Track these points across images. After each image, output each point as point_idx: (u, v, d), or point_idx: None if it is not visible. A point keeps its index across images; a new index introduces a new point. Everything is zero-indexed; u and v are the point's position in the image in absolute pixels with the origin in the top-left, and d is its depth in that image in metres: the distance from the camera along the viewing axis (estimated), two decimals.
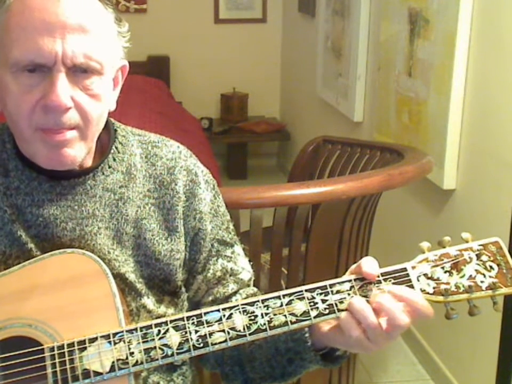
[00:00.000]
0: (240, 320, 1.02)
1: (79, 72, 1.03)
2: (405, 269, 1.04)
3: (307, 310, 1.02)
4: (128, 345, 1.00)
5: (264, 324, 1.02)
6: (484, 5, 2.24)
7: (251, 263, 1.30)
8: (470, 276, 1.03)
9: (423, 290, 1.03)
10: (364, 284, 1.03)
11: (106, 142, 1.17)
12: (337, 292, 1.03)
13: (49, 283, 1.05)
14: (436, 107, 2.49)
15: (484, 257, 1.04)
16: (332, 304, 1.03)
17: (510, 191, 2.12)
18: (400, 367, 2.77)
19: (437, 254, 1.05)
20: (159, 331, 1.01)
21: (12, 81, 1.03)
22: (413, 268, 1.04)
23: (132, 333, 1.01)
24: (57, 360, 1.00)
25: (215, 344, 1.01)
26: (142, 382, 1.14)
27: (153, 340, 1.01)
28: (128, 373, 1.00)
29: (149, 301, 1.16)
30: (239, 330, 1.02)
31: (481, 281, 1.03)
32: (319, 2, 4.02)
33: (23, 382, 1.00)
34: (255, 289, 1.27)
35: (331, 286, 1.04)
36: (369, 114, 3.34)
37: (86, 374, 0.99)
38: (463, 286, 1.03)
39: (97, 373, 0.99)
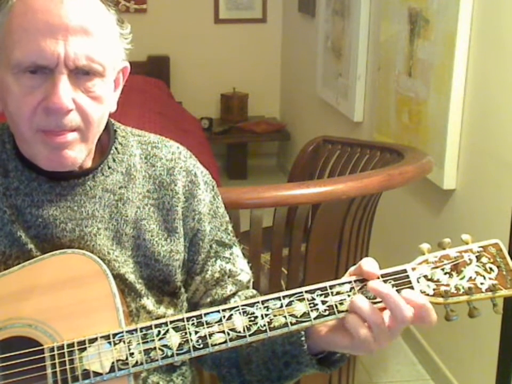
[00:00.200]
0: (240, 321, 1.02)
1: (81, 74, 1.03)
2: (405, 271, 1.04)
3: (307, 311, 1.02)
4: (128, 346, 1.00)
5: (264, 325, 1.02)
6: (484, 5, 2.24)
7: (250, 264, 1.29)
8: (470, 277, 1.03)
9: (423, 292, 1.03)
10: (364, 285, 1.03)
11: (106, 142, 1.17)
12: (337, 293, 1.03)
13: (49, 283, 1.05)
14: (436, 107, 2.49)
15: (484, 259, 1.04)
16: (332, 306, 1.02)
17: (510, 191, 2.12)
18: (400, 367, 2.77)
19: (437, 255, 1.05)
20: (159, 332, 1.01)
21: (13, 82, 1.03)
22: (413, 269, 1.04)
23: (132, 333, 1.01)
24: (57, 361, 1.00)
25: (215, 345, 1.01)
26: (141, 382, 1.14)
27: (153, 340, 1.01)
28: (128, 373, 1.00)
29: (148, 302, 1.16)
30: (239, 331, 1.02)
31: (481, 283, 1.03)
32: (319, 2, 4.02)
33: (23, 382, 1.00)
34: (254, 291, 1.26)
35: (331, 287, 1.04)
36: (369, 114, 3.34)
37: (86, 374, 0.99)
38: (463, 287, 1.03)
39: (97, 374, 0.99)
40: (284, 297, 1.03)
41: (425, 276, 1.04)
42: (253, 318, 1.02)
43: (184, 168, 1.22)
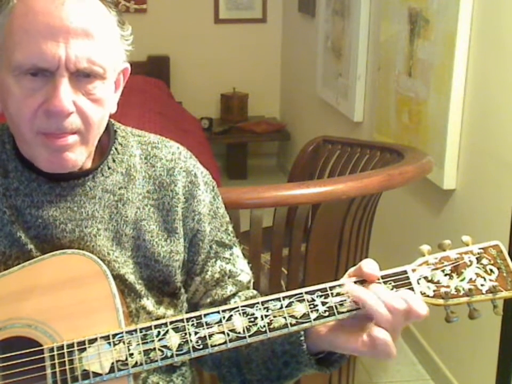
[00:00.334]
0: (240, 322, 1.02)
1: (81, 76, 1.03)
2: (405, 272, 1.04)
3: (307, 312, 1.02)
4: (128, 346, 1.00)
5: (264, 326, 1.02)
6: (484, 5, 2.24)
7: (250, 265, 1.29)
8: (470, 279, 1.03)
9: (423, 293, 1.03)
10: (364, 286, 1.03)
11: (106, 143, 1.17)
12: (338, 294, 1.03)
13: (49, 283, 1.05)
14: (436, 107, 2.49)
15: (484, 261, 1.04)
16: (332, 307, 1.02)
17: (510, 191, 2.12)
18: (400, 367, 2.77)
19: (437, 257, 1.05)
20: (159, 332, 1.01)
21: (14, 84, 1.02)
22: (413, 270, 1.04)
23: (132, 334, 1.01)
24: (56, 361, 1.00)
25: (215, 345, 1.01)
26: (141, 382, 1.14)
27: (153, 341, 1.01)
28: (127, 374, 1.00)
29: (148, 302, 1.16)
30: (239, 332, 1.01)
31: (482, 285, 1.03)
32: (319, 2, 4.02)
33: (22, 382, 1.00)
34: (255, 291, 1.26)
35: (331, 288, 1.03)
36: (369, 114, 3.34)
37: (86, 374, 0.99)
38: (463, 289, 1.03)
39: (96, 374, 0.99)
40: (283, 298, 1.03)
41: (425, 277, 1.04)
42: (252, 319, 1.02)
43: (184, 169, 1.21)
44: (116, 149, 1.17)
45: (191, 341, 1.01)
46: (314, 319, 1.02)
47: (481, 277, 1.03)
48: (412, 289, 1.03)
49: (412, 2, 2.68)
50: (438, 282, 1.03)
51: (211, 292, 1.22)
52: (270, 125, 4.97)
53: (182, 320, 1.02)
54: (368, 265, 1.03)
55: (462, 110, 2.38)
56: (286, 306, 1.02)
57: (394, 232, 3.05)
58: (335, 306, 1.02)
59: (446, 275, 1.04)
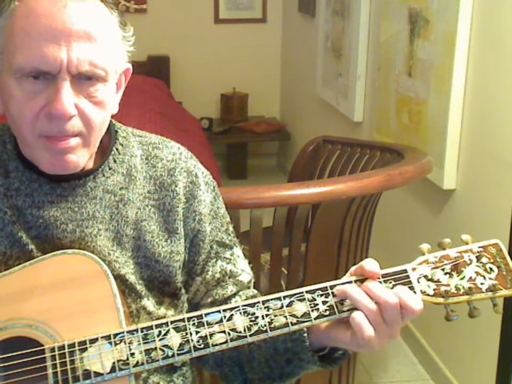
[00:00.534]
0: (240, 321, 1.02)
1: (83, 79, 1.03)
2: (405, 271, 1.05)
3: (308, 312, 1.02)
4: (129, 346, 1.00)
5: (265, 325, 1.02)
6: (484, 5, 2.24)
7: (251, 265, 1.29)
8: (470, 277, 1.04)
9: (423, 292, 1.03)
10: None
11: (107, 143, 1.17)
12: None
13: (50, 283, 1.05)
14: (436, 107, 2.49)
15: (484, 259, 1.05)
16: (333, 306, 1.03)
17: (510, 191, 2.12)
18: (400, 367, 2.77)
19: (437, 255, 1.05)
20: (160, 332, 1.01)
21: (15, 87, 1.02)
22: (413, 269, 1.04)
23: (133, 333, 1.01)
24: (58, 361, 1.00)
25: (216, 345, 1.01)
26: (142, 382, 1.14)
27: (154, 340, 1.01)
28: (128, 373, 1.00)
29: (149, 303, 1.16)
30: (240, 332, 1.02)
31: (481, 283, 1.03)
32: (319, 2, 4.02)
33: (24, 382, 1.00)
34: (255, 291, 1.26)
35: (332, 287, 1.04)
36: (369, 114, 3.34)
37: (87, 374, 0.99)
38: (463, 287, 1.03)
39: (97, 374, 0.99)
40: (284, 297, 1.03)
41: (425, 276, 1.04)
42: (253, 318, 1.02)
43: (185, 169, 1.21)
44: (116, 149, 1.17)
45: (192, 340, 1.01)
46: (314, 318, 1.02)
47: (481, 276, 1.04)
48: (412, 288, 1.03)
49: (412, 2, 2.68)
50: (438, 281, 1.04)
51: (212, 292, 1.22)
52: (270, 125, 4.97)
53: (183, 320, 1.02)
54: (370, 264, 1.03)
55: (462, 110, 2.38)
56: (287, 306, 1.03)
57: (394, 232, 3.05)
58: (336, 305, 1.03)
59: (446, 274, 1.04)
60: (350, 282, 1.04)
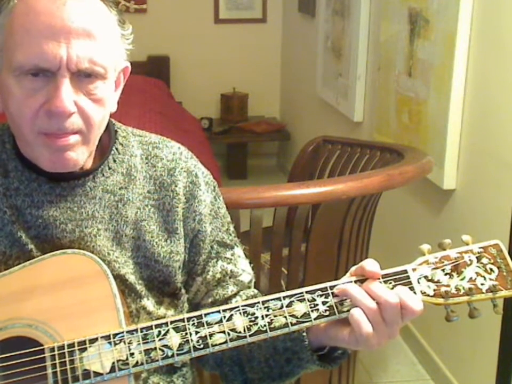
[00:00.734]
0: (240, 322, 1.02)
1: (82, 76, 1.03)
2: (405, 271, 1.05)
3: (307, 312, 1.02)
4: (129, 346, 1.00)
5: (265, 325, 1.02)
6: (484, 5, 2.24)
7: (251, 264, 1.29)
8: (470, 278, 1.04)
9: (423, 293, 1.03)
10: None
11: (106, 143, 1.17)
12: None
13: (49, 283, 1.05)
14: (436, 107, 2.49)
15: (484, 260, 1.05)
16: (333, 306, 1.03)
17: (510, 191, 2.12)
18: (400, 367, 2.77)
19: (437, 256, 1.05)
20: (160, 332, 1.01)
21: (15, 84, 1.02)
22: (414, 270, 1.04)
23: (132, 333, 1.01)
24: (57, 361, 1.00)
25: (215, 345, 1.01)
26: (142, 383, 1.14)
27: (154, 340, 1.01)
28: (128, 373, 1.00)
29: (148, 303, 1.16)
30: (239, 332, 1.02)
31: (482, 284, 1.03)
32: (319, 2, 4.02)
33: (23, 382, 1.00)
34: (256, 291, 1.26)
35: (331, 287, 1.04)
36: (369, 114, 3.34)
37: (86, 374, 0.99)
38: (464, 288, 1.03)
39: (97, 374, 0.99)
40: (284, 297, 1.03)
41: (425, 277, 1.04)
42: (253, 319, 1.02)
43: (185, 169, 1.21)
44: (116, 149, 1.17)
45: (191, 340, 1.01)
46: (314, 319, 1.02)
47: (481, 276, 1.04)
48: (412, 288, 1.03)
49: (412, 2, 2.68)
50: (438, 281, 1.04)
51: (212, 292, 1.22)
52: (270, 125, 4.97)
53: (182, 320, 1.02)
54: (370, 265, 1.04)
55: (462, 110, 2.38)
56: (287, 306, 1.03)
57: (394, 232, 3.05)
58: (336, 305, 1.03)
59: (446, 274, 1.04)
60: (350, 282, 1.04)
